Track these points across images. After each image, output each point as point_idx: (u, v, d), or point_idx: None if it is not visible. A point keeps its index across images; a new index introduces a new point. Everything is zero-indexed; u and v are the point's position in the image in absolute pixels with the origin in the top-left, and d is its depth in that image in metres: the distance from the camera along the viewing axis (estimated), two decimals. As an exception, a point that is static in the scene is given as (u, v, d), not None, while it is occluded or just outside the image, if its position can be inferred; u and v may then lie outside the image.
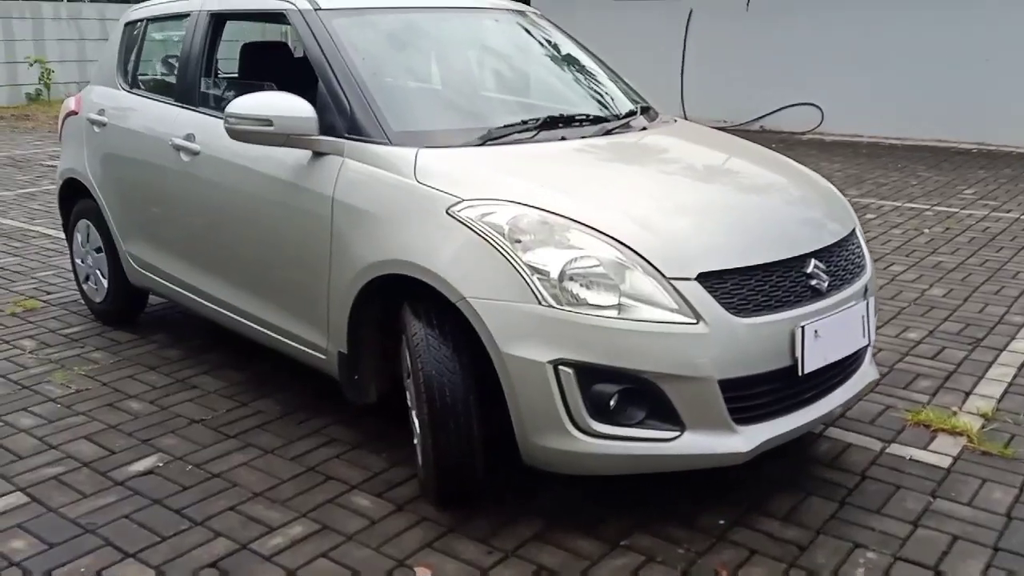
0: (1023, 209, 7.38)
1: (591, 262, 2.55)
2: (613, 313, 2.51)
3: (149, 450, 3.31)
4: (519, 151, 3.10)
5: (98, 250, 4.54)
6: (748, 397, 2.62)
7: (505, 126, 3.18)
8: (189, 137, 3.70)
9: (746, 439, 2.61)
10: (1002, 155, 10.23)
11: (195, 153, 3.65)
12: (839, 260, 2.90)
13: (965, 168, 9.43)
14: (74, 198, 4.69)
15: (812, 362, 2.69)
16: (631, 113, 3.63)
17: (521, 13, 4.03)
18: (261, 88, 3.25)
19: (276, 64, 4.13)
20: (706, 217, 2.81)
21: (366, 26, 3.49)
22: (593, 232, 2.60)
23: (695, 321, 2.52)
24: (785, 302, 2.67)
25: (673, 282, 2.54)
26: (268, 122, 3.07)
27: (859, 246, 3.07)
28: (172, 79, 4.09)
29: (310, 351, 3.30)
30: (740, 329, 2.56)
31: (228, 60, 4.41)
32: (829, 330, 2.72)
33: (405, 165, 2.93)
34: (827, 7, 11.55)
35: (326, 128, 3.11)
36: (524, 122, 3.23)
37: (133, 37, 4.45)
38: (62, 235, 6.64)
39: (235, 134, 3.14)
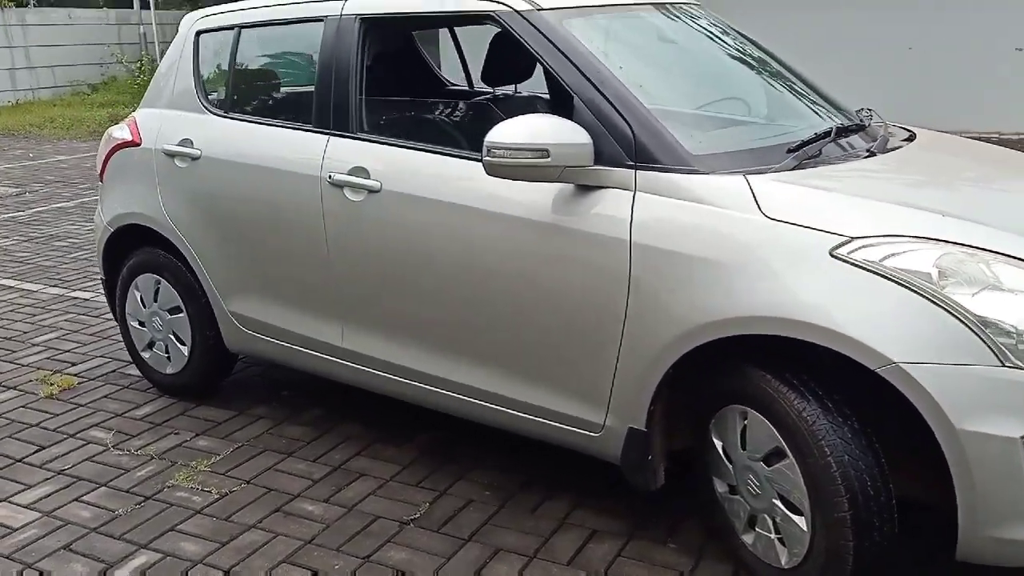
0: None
1: (1046, 307, 2.09)
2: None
3: (384, 572, 2.61)
4: (849, 171, 2.60)
5: (173, 311, 3.71)
6: None
7: (803, 143, 2.66)
8: (357, 171, 2.98)
9: None
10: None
11: (373, 191, 2.95)
12: None
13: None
14: (126, 249, 3.84)
15: None
16: (865, 121, 3.17)
17: (699, 7, 3.50)
18: (482, 111, 2.62)
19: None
20: None
21: (599, 28, 2.90)
22: (1039, 269, 2.14)
23: None
24: None
25: None
26: (545, 152, 2.45)
27: None
28: (301, 100, 3.33)
29: (574, 429, 2.69)
30: None
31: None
32: None
33: (739, 197, 2.37)
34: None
35: (596, 155, 2.53)
36: (817, 136, 2.72)
37: (216, 49, 3.63)
38: (26, 286, 5.66)
39: (499, 169, 2.50)
